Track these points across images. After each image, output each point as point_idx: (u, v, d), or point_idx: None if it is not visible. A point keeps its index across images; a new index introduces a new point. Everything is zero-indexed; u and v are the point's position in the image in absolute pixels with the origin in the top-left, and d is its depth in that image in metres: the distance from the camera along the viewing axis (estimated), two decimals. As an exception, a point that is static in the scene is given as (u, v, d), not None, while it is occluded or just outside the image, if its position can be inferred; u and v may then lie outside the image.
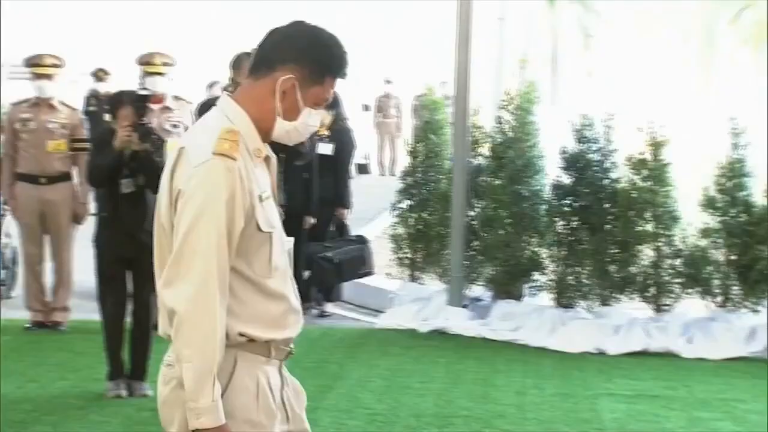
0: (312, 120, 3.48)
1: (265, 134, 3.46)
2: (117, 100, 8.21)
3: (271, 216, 3.43)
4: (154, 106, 9.22)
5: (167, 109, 10.04)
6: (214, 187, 3.28)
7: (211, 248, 3.26)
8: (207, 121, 3.52)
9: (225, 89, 8.42)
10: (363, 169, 25.58)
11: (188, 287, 3.27)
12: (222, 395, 3.33)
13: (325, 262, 10.82)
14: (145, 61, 10.35)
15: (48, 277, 10.65)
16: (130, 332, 8.30)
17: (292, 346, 3.57)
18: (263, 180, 3.44)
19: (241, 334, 3.38)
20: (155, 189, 7.92)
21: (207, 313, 3.27)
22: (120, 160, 7.95)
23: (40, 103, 10.44)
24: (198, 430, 3.28)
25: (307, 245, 10.75)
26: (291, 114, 3.43)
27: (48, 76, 10.42)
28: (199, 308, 3.26)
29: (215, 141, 3.30)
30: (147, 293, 8.11)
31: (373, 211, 15.55)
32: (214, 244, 3.26)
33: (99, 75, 17.41)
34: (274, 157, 3.56)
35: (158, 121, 9.69)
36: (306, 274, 10.90)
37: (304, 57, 3.42)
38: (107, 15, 22.78)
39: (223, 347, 3.31)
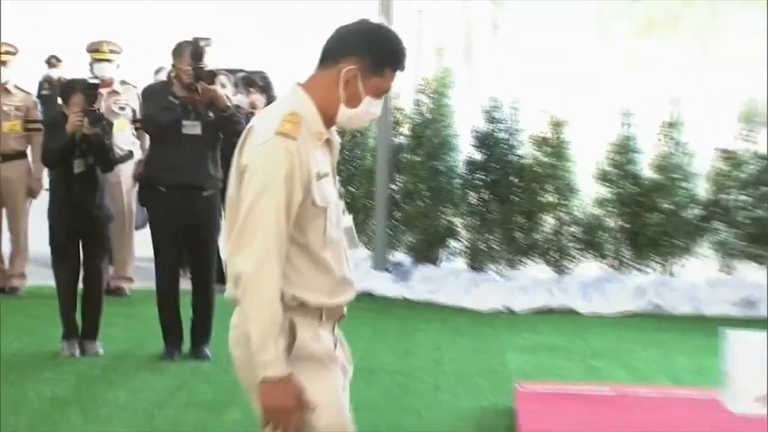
0: (373, 108, 3.52)
1: (329, 120, 3.50)
2: (69, 88, 8.16)
3: (328, 192, 3.49)
4: (103, 91, 9.14)
5: (115, 93, 10.12)
6: (274, 165, 3.34)
7: (271, 222, 3.32)
8: (276, 105, 3.58)
9: (169, 75, 8.51)
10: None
11: (251, 256, 3.33)
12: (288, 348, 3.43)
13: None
14: (94, 48, 10.36)
15: (5, 247, 10.56)
16: (82, 296, 8.28)
17: (345, 310, 3.64)
18: (323, 160, 3.48)
19: (294, 298, 3.44)
20: (105, 168, 8.21)
21: (268, 278, 3.34)
22: (72, 143, 7.93)
23: None
24: (265, 381, 3.38)
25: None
26: (353, 102, 3.46)
27: (3, 63, 10.38)
28: (262, 274, 3.33)
29: (279, 122, 3.36)
30: (98, 261, 8.24)
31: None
32: (273, 217, 3.33)
33: (51, 62, 16.88)
34: (336, 140, 3.62)
35: (106, 104, 9.72)
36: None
37: (366, 50, 3.45)
38: (60, 5, 22.38)
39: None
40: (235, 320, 3.55)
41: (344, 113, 3.49)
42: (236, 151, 3.52)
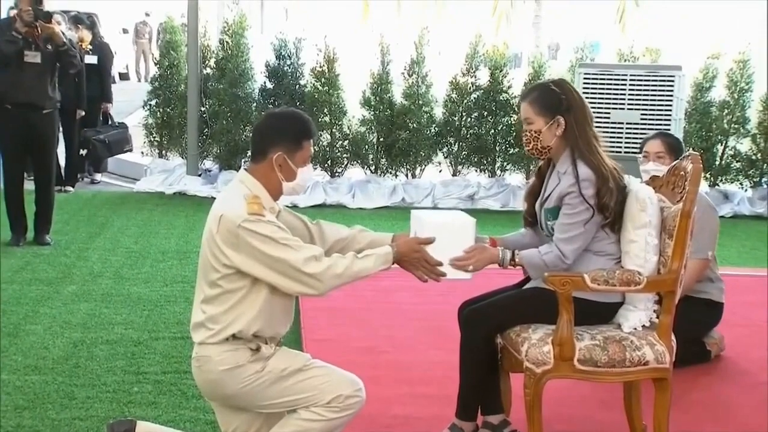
0: (307, 174, 3.52)
1: (276, 196, 3.49)
2: None
3: None
4: None
5: None
6: (261, 230, 3.31)
7: (286, 248, 3.32)
8: (233, 189, 3.49)
9: (11, 13, 8.07)
10: (124, 76, 24.93)
11: (323, 269, 3.33)
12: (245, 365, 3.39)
13: (99, 142, 10.68)
14: None
15: None
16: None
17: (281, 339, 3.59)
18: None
19: (253, 334, 3.41)
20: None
21: (337, 270, 3.36)
22: None
23: None
24: (395, 261, 3.46)
25: (84, 131, 10.62)
26: (290, 177, 3.46)
27: None
28: (327, 272, 3.33)
29: (246, 205, 3.35)
30: None
31: (132, 106, 15.26)
32: (284, 244, 3.33)
33: None
34: (283, 210, 3.58)
35: None
36: (83, 152, 10.80)
37: (283, 137, 3.45)
38: None
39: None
40: (196, 354, 3.48)
41: (287, 187, 3.50)
42: (212, 233, 3.40)
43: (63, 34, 7.77)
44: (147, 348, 5.38)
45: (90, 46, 10.91)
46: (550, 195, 3.79)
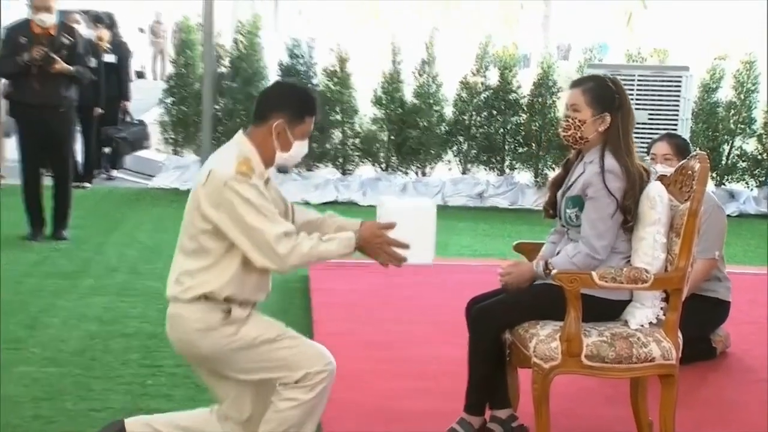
0: (302, 149, 3.46)
1: (268, 162, 3.43)
2: None
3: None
4: None
5: None
6: (245, 191, 3.25)
7: (262, 218, 3.26)
8: (227, 150, 3.44)
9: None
10: (140, 75, 24.94)
11: (284, 242, 3.26)
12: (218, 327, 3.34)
13: (121, 139, 10.72)
14: None
15: None
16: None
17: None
18: (267, 194, 3.40)
19: (226, 297, 3.36)
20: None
21: (302, 250, 3.28)
22: None
23: None
24: (357, 247, 3.33)
25: (105, 129, 10.67)
26: (285, 147, 3.40)
27: None
28: (293, 252, 3.27)
29: (236, 164, 3.30)
30: None
31: (148, 104, 15.29)
32: (263, 214, 3.27)
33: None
34: (272, 181, 3.52)
35: None
36: (107, 150, 10.83)
37: (287, 106, 3.40)
38: None
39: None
40: (169, 312, 3.42)
41: (281, 157, 3.44)
42: (199, 185, 3.35)
43: (80, 56, 7.83)
44: (161, 341, 5.35)
45: (109, 45, 10.96)
46: (573, 183, 3.76)
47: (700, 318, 4.65)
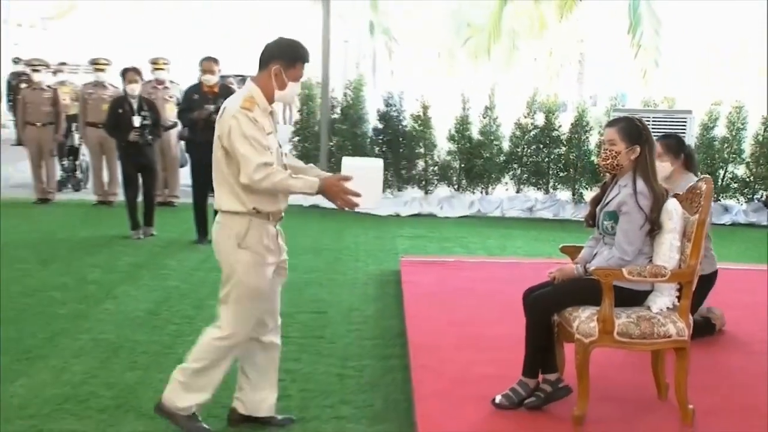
0: (295, 89, 3.40)
1: (270, 99, 3.37)
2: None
3: (271, 143, 3.35)
4: (159, 86, 9.12)
5: (166, 88, 9.87)
6: (244, 123, 3.24)
7: (253, 148, 3.24)
8: (239, 92, 3.42)
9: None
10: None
11: (259, 170, 3.24)
12: (243, 239, 3.32)
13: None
14: (154, 61, 10.13)
15: (105, 177, 10.24)
16: (143, 204, 8.19)
17: (283, 214, 3.49)
18: (269, 124, 3.37)
19: (254, 208, 3.34)
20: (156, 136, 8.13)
21: (269, 174, 3.24)
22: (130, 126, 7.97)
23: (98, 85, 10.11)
24: (318, 192, 3.27)
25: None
26: (282, 87, 3.36)
27: (102, 70, 10.12)
28: (266, 178, 3.24)
29: (241, 101, 3.29)
30: (150, 184, 8.20)
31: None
32: (252, 145, 3.24)
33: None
34: (276, 112, 3.49)
35: (161, 95, 9.62)
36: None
37: (283, 54, 3.35)
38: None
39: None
40: (217, 220, 3.42)
41: (278, 94, 3.38)
42: (217, 120, 3.37)
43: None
44: (292, 319, 5.43)
45: None
46: (610, 201, 3.68)
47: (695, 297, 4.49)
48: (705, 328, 4.89)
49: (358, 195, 3.30)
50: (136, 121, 7.98)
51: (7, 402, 3.87)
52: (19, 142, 10.85)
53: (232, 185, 3.32)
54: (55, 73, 12.75)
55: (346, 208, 3.33)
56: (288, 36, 3.48)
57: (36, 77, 10.22)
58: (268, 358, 3.68)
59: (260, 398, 3.66)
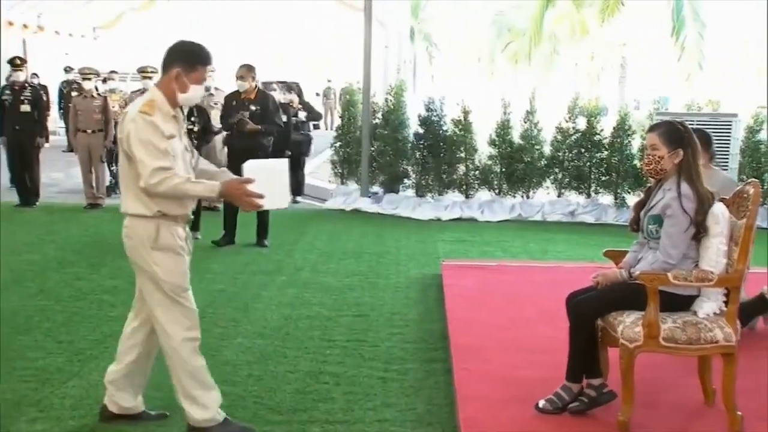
0: (198, 92, 3.38)
1: (174, 103, 3.35)
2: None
3: (175, 146, 3.32)
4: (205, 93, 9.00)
5: (211, 95, 9.85)
6: (142, 128, 3.22)
7: (157, 152, 3.22)
8: (141, 97, 3.40)
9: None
10: (317, 126, 25.55)
11: (155, 176, 3.21)
12: (156, 241, 3.30)
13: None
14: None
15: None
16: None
17: (191, 215, 3.47)
18: (172, 128, 3.33)
19: (159, 210, 3.32)
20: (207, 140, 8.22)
21: (171, 181, 3.22)
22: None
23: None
24: (220, 195, 3.26)
25: (297, 171, 10.98)
26: (184, 90, 3.33)
27: (149, 77, 10.12)
28: (161, 183, 3.22)
29: (141, 106, 3.28)
30: None
31: (323, 147, 15.54)
32: (148, 149, 3.22)
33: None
34: (180, 116, 3.42)
35: (207, 101, 9.68)
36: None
37: (182, 58, 3.33)
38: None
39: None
40: (125, 224, 3.39)
41: (181, 97, 3.34)
42: (119, 124, 3.37)
43: (270, 114, 7.94)
44: (335, 323, 5.44)
45: (300, 105, 11.25)
46: (655, 205, 3.63)
47: None
48: (763, 307, 4.85)
49: (261, 197, 3.29)
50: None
51: (59, 403, 3.94)
52: (70, 149, 11.05)
53: (136, 189, 3.31)
54: (104, 81, 12.98)
55: (250, 209, 3.35)
56: (188, 40, 3.42)
57: (86, 85, 10.38)
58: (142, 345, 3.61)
59: (129, 392, 3.64)
